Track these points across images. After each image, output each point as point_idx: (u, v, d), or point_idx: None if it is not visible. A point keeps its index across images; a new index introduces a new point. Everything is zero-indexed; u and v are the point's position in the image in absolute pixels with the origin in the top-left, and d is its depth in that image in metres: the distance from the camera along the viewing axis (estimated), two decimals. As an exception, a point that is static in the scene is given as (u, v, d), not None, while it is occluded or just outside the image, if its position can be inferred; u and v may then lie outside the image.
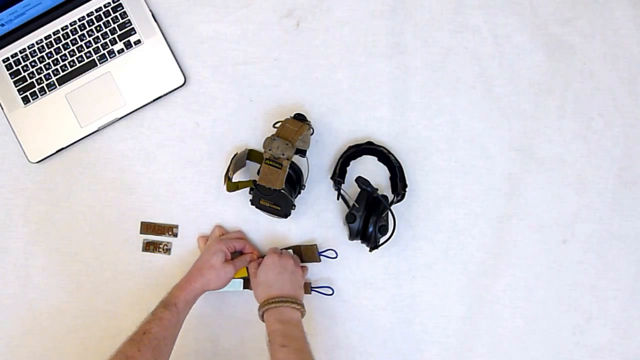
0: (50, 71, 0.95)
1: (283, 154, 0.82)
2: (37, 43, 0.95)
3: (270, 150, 0.83)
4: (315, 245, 0.92)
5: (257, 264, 0.89)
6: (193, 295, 0.84)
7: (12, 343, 0.93)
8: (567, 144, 0.95)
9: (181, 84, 0.95)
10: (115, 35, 0.95)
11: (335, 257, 0.92)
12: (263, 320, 0.82)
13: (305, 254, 0.92)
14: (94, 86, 0.95)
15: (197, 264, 0.87)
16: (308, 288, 0.92)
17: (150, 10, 0.96)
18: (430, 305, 0.93)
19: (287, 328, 0.79)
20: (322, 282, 0.93)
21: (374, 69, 0.96)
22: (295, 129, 0.85)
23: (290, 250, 0.92)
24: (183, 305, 0.82)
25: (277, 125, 0.88)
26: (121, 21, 0.95)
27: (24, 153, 0.94)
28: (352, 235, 0.88)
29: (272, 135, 0.85)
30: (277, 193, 0.84)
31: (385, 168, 0.94)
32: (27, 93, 0.95)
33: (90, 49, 0.95)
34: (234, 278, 0.88)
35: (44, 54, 0.95)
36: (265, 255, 0.89)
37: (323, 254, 0.92)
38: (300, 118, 0.90)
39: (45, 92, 0.95)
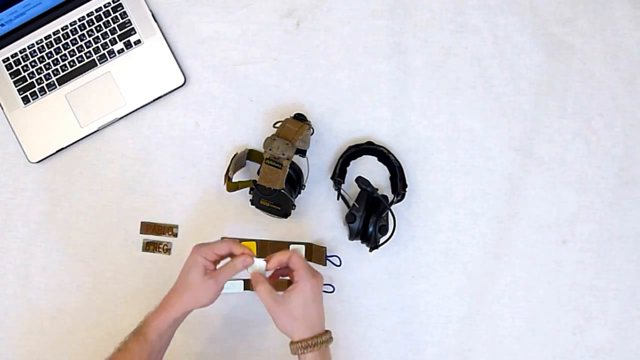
0: (50, 71, 0.95)
1: (283, 154, 0.82)
2: (37, 43, 0.95)
3: (270, 150, 0.83)
4: (325, 248, 0.92)
5: (266, 282, 0.74)
6: (169, 323, 0.73)
7: (12, 343, 0.93)
8: (567, 144, 0.95)
9: (181, 84, 0.95)
10: (115, 35, 0.95)
11: (339, 265, 0.92)
12: (297, 354, 0.72)
13: (315, 254, 0.92)
14: (94, 86, 0.95)
15: (175, 283, 0.75)
16: (323, 259, 0.91)
17: (150, 10, 0.96)
18: (430, 305, 0.93)
19: None
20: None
21: (374, 69, 0.96)
22: (295, 129, 0.85)
23: (303, 246, 0.91)
24: (155, 337, 0.72)
25: (277, 125, 0.88)
26: (121, 21, 0.95)
27: (24, 153, 0.94)
28: (352, 235, 0.88)
29: (272, 135, 0.85)
30: (277, 193, 0.84)
31: (385, 168, 0.94)
32: (27, 93, 0.95)
33: (90, 49, 0.95)
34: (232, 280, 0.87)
35: (44, 54, 0.95)
36: (296, 267, 0.75)
37: (329, 258, 0.92)
38: (300, 118, 0.90)
39: (45, 92, 0.95)
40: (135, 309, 0.92)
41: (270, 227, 0.94)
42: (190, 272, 0.74)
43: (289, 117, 0.90)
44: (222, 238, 0.91)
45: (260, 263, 0.76)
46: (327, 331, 0.75)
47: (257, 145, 0.94)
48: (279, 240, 0.93)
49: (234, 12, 0.97)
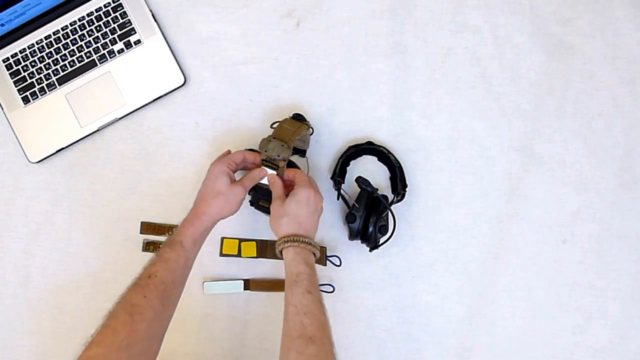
0: (50, 71, 0.95)
1: (278, 156, 0.82)
2: (37, 43, 0.95)
3: (266, 151, 0.83)
4: (325, 248, 0.92)
5: (282, 187, 0.81)
6: (202, 230, 0.76)
7: (12, 343, 0.93)
8: (567, 144, 0.95)
9: (181, 84, 0.95)
10: (115, 35, 0.95)
11: (339, 265, 0.92)
12: (280, 256, 0.77)
13: None
14: (94, 86, 0.95)
15: (201, 194, 0.79)
16: (323, 259, 0.91)
17: (150, 10, 0.96)
18: (430, 305, 0.93)
19: (313, 274, 0.74)
20: (322, 280, 0.93)
21: (374, 69, 0.96)
22: (292, 129, 0.85)
23: None
24: (191, 243, 0.74)
25: (274, 126, 0.88)
26: (121, 21, 0.95)
27: (24, 153, 0.94)
28: (352, 235, 0.88)
29: (269, 136, 0.85)
30: None
31: (385, 168, 0.94)
32: (27, 93, 0.95)
33: (90, 49, 0.95)
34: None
35: (44, 54, 0.95)
36: (298, 180, 0.81)
37: (329, 258, 0.92)
38: (298, 118, 0.90)
39: (45, 92, 0.95)
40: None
41: (270, 228, 0.94)
42: (218, 181, 0.78)
43: (287, 117, 0.90)
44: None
45: (273, 173, 0.83)
46: (315, 242, 0.78)
47: (257, 145, 0.94)
48: (279, 240, 0.94)
49: (234, 12, 0.97)
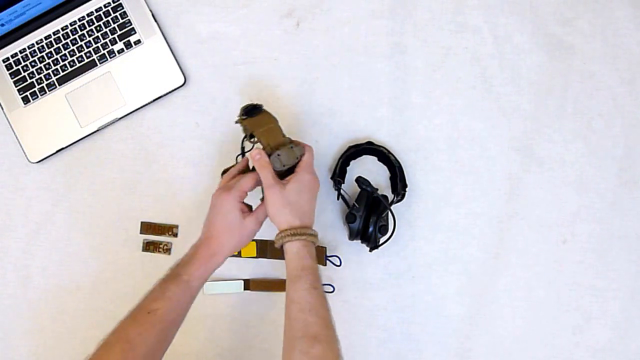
0: (50, 71, 0.95)
1: (297, 158, 0.77)
2: (37, 43, 0.95)
3: (285, 166, 0.76)
4: (325, 248, 0.92)
5: (270, 167, 0.74)
6: (212, 269, 0.72)
7: (12, 343, 0.93)
8: (567, 144, 0.95)
9: (181, 84, 0.95)
10: (115, 35, 0.95)
11: (339, 265, 0.92)
12: (280, 248, 0.72)
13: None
14: (94, 86, 0.95)
15: (211, 230, 0.73)
16: (323, 259, 0.90)
17: (150, 10, 0.96)
18: (430, 305, 0.93)
19: (316, 268, 0.71)
20: (322, 280, 0.92)
21: (374, 69, 0.96)
22: (272, 124, 0.79)
23: None
24: (198, 283, 0.70)
25: (253, 140, 0.79)
26: (121, 21, 0.95)
27: (24, 153, 0.94)
28: (352, 235, 0.88)
29: (265, 148, 0.77)
30: None
31: (385, 168, 0.94)
32: (27, 93, 0.95)
33: (90, 49, 0.95)
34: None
35: (44, 54, 0.95)
36: (303, 160, 0.76)
37: (329, 258, 0.92)
38: (253, 109, 0.80)
39: (45, 92, 0.95)
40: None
41: (270, 227, 0.94)
42: (230, 216, 0.72)
43: (237, 117, 0.83)
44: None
45: (258, 149, 0.78)
46: (315, 232, 0.74)
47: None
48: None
49: (234, 12, 0.97)
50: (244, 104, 0.83)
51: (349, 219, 0.86)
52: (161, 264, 0.93)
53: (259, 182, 0.76)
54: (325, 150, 0.95)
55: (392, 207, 0.89)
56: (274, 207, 0.73)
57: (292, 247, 0.71)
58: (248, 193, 0.77)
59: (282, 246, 0.73)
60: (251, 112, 0.82)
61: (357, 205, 0.87)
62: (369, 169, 0.94)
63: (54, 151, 0.94)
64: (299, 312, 0.68)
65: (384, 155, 0.92)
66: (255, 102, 0.83)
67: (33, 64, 0.95)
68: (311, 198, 0.75)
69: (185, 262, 0.72)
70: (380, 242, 0.88)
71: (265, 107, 0.84)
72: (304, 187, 0.74)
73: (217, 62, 0.97)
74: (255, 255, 0.93)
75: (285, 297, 0.71)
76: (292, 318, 0.68)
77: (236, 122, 0.84)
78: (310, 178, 0.75)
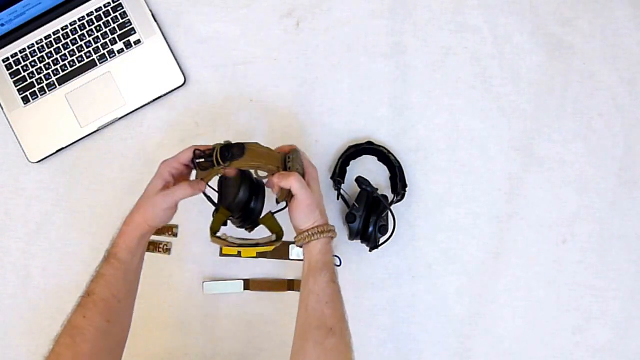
0: (50, 71, 0.95)
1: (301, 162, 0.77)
2: (37, 43, 0.95)
3: (298, 169, 0.76)
4: None
5: (300, 177, 0.73)
6: (137, 237, 0.71)
7: (12, 343, 0.93)
8: (567, 144, 0.95)
9: (181, 84, 0.95)
10: (115, 35, 0.95)
11: (339, 265, 0.92)
12: (302, 245, 0.73)
13: None
14: (94, 86, 0.95)
15: (137, 201, 0.74)
16: None
17: (150, 10, 0.96)
18: (430, 305, 0.93)
19: (334, 264, 0.73)
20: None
21: (374, 69, 0.96)
22: (260, 151, 0.75)
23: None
24: (127, 255, 0.70)
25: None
26: (121, 21, 0.95)
27: (24, 153, 0.94)
28: (352, 235, 0.88)
29: (280, 153, 0.77)
30: None
31: (385, 168, 0.94)
32: (27, 93, 0.95)
33: (90, 49, 0.95)
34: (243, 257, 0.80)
35: (44, 54, 0.95)
36: (292, 156, 0.75)
37: None
38: (227, 149, 0.74)
39: (45, 92, 0.95)
40: (135, 309, 0.92)
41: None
42: (151, 185, 0.72)
43: (215, 169, 0.75)
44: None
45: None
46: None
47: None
48: (279, 240, 0.93)
49: (234, 12, 0.97)
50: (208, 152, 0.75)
51: (349, 219, 0.86)
52: (161, 264, 0.93)
53: (187, 159, 0.74)
54: (325, 150, 0.95)
55: (392, 207, 0.89)
56: (307, 208, 0.73)
57: (318, 244, 0.73)
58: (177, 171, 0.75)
59: (307, 243, 0.74)
60: (232, 154, 0.74)
61: (357, 205, 0.87)
62: (369, 169, 0.94)
63: (54, 151, 0.94)
64: (317, 304, 0.69)
65: (384, 155, 0.92)
66: (222, 143, 0.75)
67: (33, 64, 0.95)
68: (320, 192, 0.77)
69: (114, 236, 0.72)
70: (380, 242, 0.88)
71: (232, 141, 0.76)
72: (316, 184, 0.76)
73: (217, 62, 0.97)
74: (255, 255, 0.93)
75: (302, 289, 0.72)
76: (309, 308, 0.69)
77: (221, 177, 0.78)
78: (314, 171, 0.77)
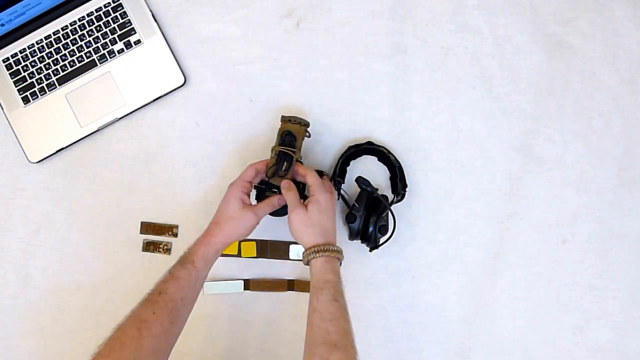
0: (50, 71, 0.95)
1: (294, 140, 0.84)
2: (37, 43, 0.95)
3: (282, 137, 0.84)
4: None
5: (298, 195, 0.81)
6: (213, 251, 0.78)
7: (12, 343, 0.93)
8: (567, 144, 0.95)
9: (181, 84, 0.95)
10: (115, 35, 0.95)
11: (339, 265, 0.92)
12: (307, 263, 0.78)
13: None
14: (94, 86, 0.95)
15: (216, 216, 0.81)
16: None
17: (150, 10, 0.96)
18: (430, 305, 0.93)
19: (339, 282, 0.76)
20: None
21: (374, 69, 0.96)
22: (298, 126, 0.86)
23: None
24: (202, 263, 0.77)
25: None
26: (121, 21, 0.95)
27: (24, 153, 0.94)
28: (352, 235, 0.88)
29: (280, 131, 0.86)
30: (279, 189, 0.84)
31: (385, 168, 0.94)
32: (27, 93, 0.95)
33: (90, 49, 0.95)
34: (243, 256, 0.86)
35: (43, 54, 0.95)
36: (311, 182, 0.81)
37: None
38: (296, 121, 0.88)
39: (45, 92, 0.95)
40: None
41: (270, 227, 0.94)
42: (229, 205, 0.80)
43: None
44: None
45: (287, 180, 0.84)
46: (339, 248, 0.79)
47: (258, 147, 0.94)
48: (279, 240, 0.93)
49: (234, 12, 0.97)
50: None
51: (349, 219, 0.86)
52: (161, 264, 0.94)
53: (259, 173, 0.83)
54: (325, 150, 0.95)
55: (392, 207, 0.89)
56: (299, 227, 0.79)
57: (317, 263, 0.77)
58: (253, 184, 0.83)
59: (308, 262, 0.78)
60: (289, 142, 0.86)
61: (357, 205, 0.87)
62: (369, 169, 0.94)
63: (54, 151, 0.94)
64: (320, 321, 0.72)
65: (384, 155, 0.92)
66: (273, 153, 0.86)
67: (33, 64, 0.95)
68: (331, 216, 0.80)
69: (191, 246, 0.79)
70: (380, 242, 0.88)
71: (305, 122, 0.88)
72: (322, 208, 0.79)
73: (217, 62, 0.97)
74: (255, 255, 0.93)
75: (308, 307, 0.75)
76: (313, 325, 0.72)
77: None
78: (327, 197, 0.80)
